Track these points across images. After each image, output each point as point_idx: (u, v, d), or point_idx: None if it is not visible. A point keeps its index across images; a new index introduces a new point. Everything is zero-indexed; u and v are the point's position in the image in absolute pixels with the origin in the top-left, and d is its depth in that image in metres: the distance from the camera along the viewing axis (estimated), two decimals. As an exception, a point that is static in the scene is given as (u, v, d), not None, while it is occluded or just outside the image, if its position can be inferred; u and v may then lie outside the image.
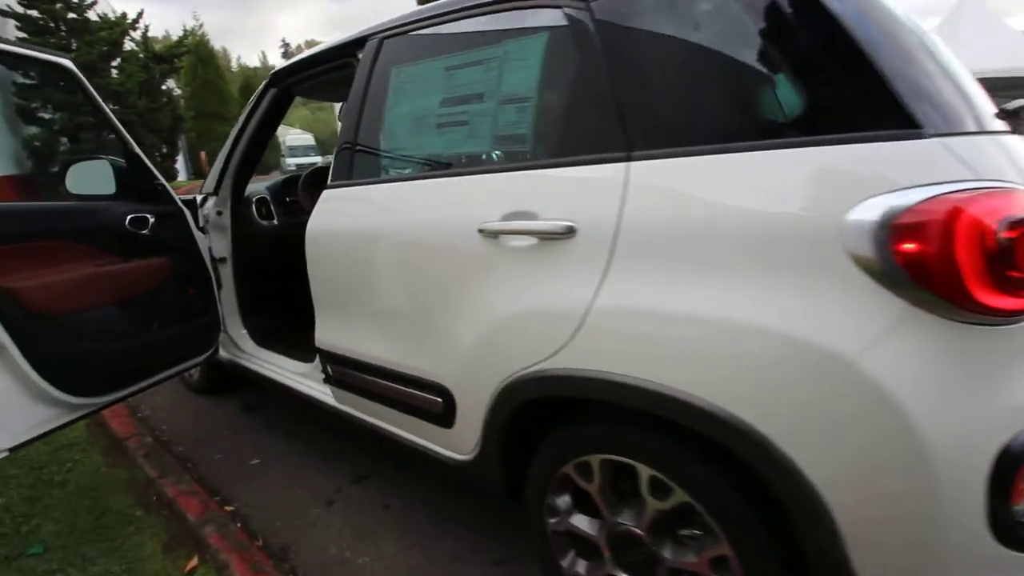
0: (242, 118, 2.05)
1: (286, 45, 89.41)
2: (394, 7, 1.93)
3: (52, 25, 9.63)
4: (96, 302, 1.65)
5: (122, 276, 1.73)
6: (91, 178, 1.87)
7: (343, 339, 1.58)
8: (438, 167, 1.33)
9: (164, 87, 12.93)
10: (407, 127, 1.43)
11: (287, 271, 2.56)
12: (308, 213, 2.34)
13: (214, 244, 2.17)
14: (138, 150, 1.82)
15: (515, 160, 1.16)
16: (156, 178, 1.88)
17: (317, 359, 1.85)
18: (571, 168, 1.05)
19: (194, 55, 19.90)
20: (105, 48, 10.04)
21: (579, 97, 1.07)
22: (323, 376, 1.82)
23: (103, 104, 1.72)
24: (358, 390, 1.59)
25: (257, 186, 2.31)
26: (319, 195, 2.53)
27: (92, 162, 1.90)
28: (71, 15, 9.79)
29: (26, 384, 1.49)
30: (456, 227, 1.19)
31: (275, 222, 2.29)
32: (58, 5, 9.61)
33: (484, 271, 1.15)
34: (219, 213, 2.18)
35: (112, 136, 1.83)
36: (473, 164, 1.23)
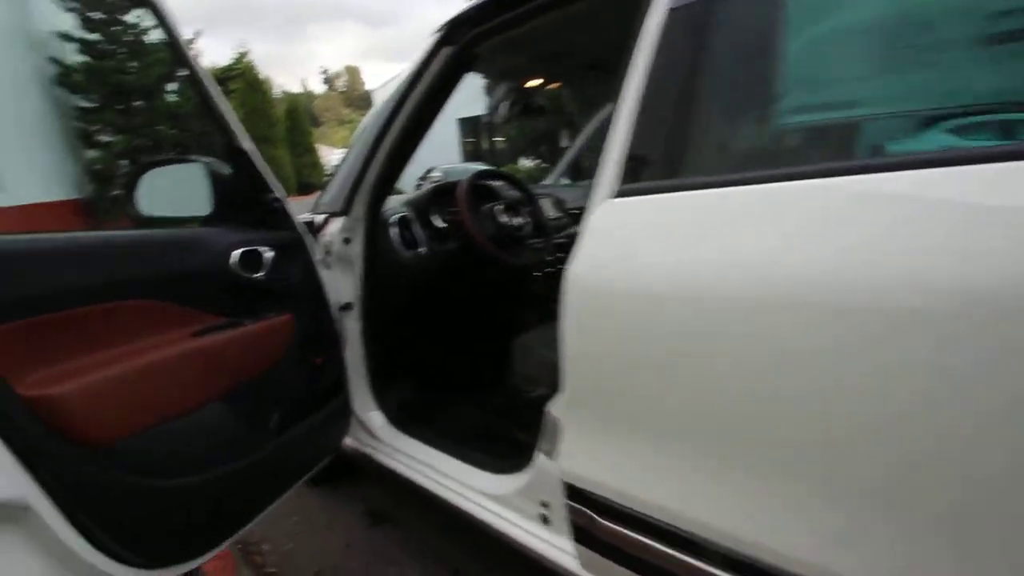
0: (390, 104, 1.35)
1: (325, 71, 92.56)
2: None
3: (112, 47, 9.54)
4: (186, 403, 0.96)
5: (227, 352, 1.04)
6: (174, 190, 1.21)
7: (646, 485, 0.82)
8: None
9: (217, 110, 12.89)
10: (856, 62, 0.67)
11: (440, 319, 1.86)
12: (471, 236, 1.62)
13: (337, 284, 1.48)
14: (249, 144, 1.14)
15: None
16: (271, 190, 1.19)
17: (531, 480, 1.12)
18: None
19: (244, 81, 20.28)
20: (162, 71, 9.89)
21: None
22: (544, 515, 1.08)
23: (192, 59, 1.04)
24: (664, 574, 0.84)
25: (391, 202, 1.61)
26: (485, 210, 1.69)
27: (176, 166, 1.24)
28: (129, 37, 9.69)
29: (68, 563, 0.80)
30: None
31: (421, 250, 1.58)
32: (117, 28, 9.52)
33: None
34: (346, 241, 1.49)
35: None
36: None
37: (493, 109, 1.91)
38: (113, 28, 9.58)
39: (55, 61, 8.85)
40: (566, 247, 1.97)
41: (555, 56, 1.53)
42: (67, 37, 9.01)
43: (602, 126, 2.60)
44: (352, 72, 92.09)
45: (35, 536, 0.74)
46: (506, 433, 1.40)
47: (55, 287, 0.80)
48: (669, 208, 0.75)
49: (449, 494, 1.31)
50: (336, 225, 1.50)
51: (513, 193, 1.76)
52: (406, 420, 1.57)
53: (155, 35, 10.21)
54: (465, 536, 1.52)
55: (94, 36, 9.37)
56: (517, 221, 1.66)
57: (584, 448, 0.92)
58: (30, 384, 0.73)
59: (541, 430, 1.05)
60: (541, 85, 1.88)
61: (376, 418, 1.56)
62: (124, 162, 9.29)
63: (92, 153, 9.37)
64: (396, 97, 1.35)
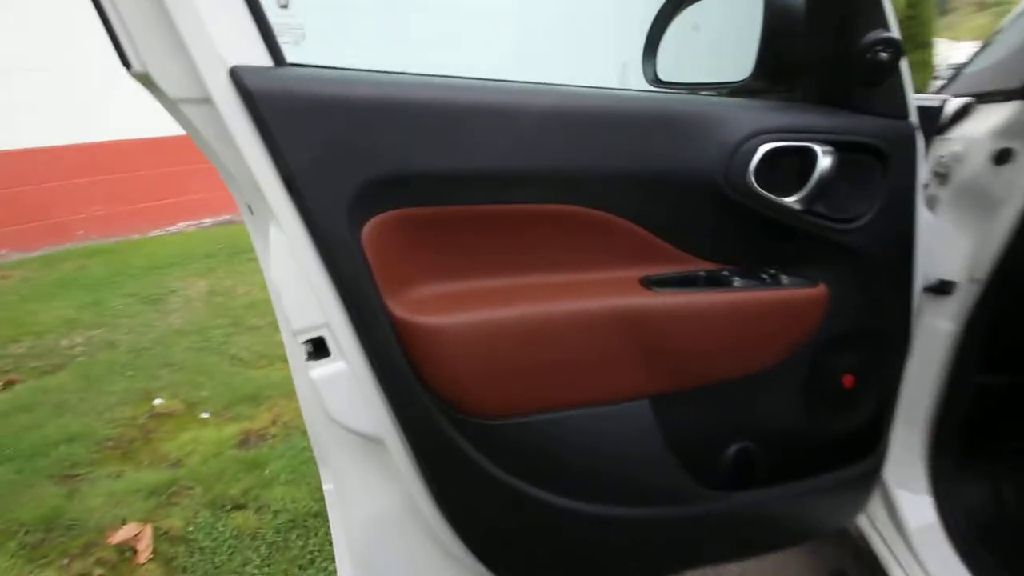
0: None
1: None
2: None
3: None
4: (609, 390, 0.59)
5: (693, 328, 0.58)
6: (707, 45, 0.77)
7: None
8: None
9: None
10: None
11: None
12: None
13: (940, 241, 0.74)
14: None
15: None
16: (887, 25, 0.56)
17: None
18: None
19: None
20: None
21: None
22: None
23: None
24: None
25: None
26: None
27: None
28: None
29: (408, 507, 0.62)
30: None
31: None
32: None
33: None
34: (999, 157, 0.70)
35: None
36: None
37: None
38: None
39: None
40: None
41: None
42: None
43: None
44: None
45: (387, 468, 0.58)
46: None
47: (477, 163, 0.52)
48: None
49: None
50: (986, 122, 0.72)
51: None
52: (985, 543, 0.77)
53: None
54: None
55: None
56: None
57: None
58: (404, 303, 0.51)
59: None
60: None
61: (918, 508, 0.83)
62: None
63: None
64: None
